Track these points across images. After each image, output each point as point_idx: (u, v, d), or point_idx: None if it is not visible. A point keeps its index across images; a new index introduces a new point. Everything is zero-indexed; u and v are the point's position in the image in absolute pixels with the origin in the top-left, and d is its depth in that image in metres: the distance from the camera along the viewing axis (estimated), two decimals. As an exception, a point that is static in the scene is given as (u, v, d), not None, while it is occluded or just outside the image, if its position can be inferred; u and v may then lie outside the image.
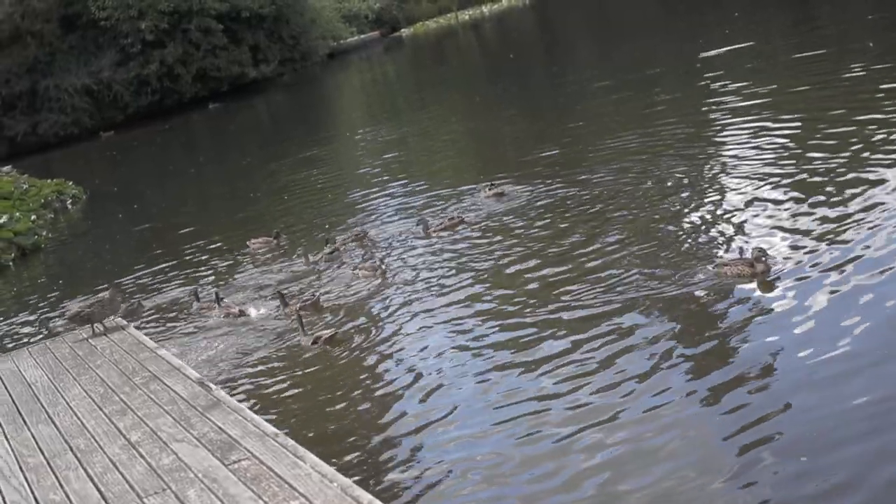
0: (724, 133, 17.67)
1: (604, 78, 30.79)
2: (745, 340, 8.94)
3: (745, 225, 12.25)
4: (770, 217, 12.25)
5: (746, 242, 11.36)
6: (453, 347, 10.67)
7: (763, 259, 10.24)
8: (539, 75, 38.49)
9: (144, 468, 7.63)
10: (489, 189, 17.38)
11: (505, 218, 15.72)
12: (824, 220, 11.45)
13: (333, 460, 8.06)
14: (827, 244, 10.59)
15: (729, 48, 27.91)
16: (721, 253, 11.39)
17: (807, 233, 11.22)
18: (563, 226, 14.42)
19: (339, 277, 14.79)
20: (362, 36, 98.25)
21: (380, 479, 8.07)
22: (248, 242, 18.14)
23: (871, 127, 14.82)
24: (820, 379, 7.79)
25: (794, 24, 31.21)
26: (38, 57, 72.15)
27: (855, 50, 22.12)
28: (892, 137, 13.94)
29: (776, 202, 12.74)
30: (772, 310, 9.47)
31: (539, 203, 16.15)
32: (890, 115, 15.16)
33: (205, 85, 75.51)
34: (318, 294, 13.69)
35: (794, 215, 12.01)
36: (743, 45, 27.89)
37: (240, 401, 9.50)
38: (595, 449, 7.60)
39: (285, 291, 14.15)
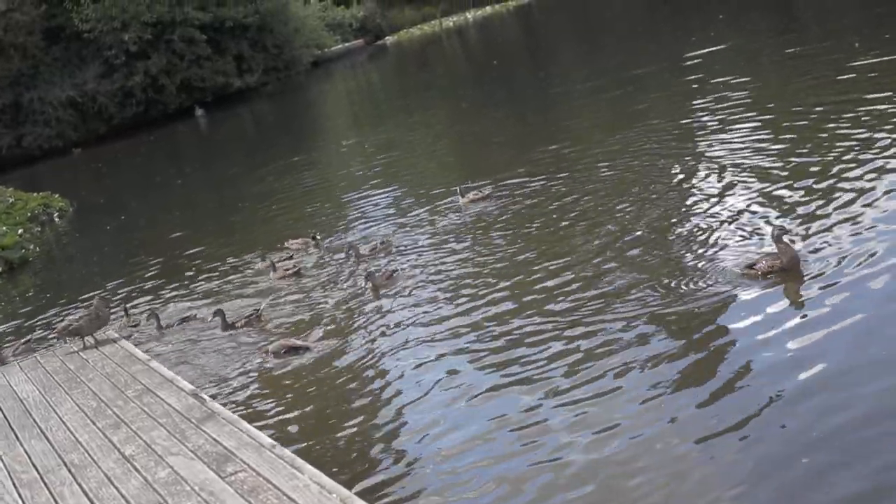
0: (714, 133, 17.70)
1: (588, 80, 30.85)
2: (749, 344, 8.93)
3: (741, 220, 12.30)
4: (768, 211, 12.29)
5: (754, 234, 11.45)
6: (449, 355, 10.64)
7: (784, 237, 10.16)
8: (524, 80, 38.49)
9: (140, 482, 7.57)
10: (468, 195, 17.40)
11: (489, 220, 15.74)
12: (826, 216, 11.48)
13: (332, 471, 8.00)
14: (830, 242, 10.59)
15: (714, 48, 27.98)
16: (735, 252, 11.35)
17: (809, 230, 11.24)
18: (556, 226, 14.46)
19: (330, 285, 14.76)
20: (346, 44, 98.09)
21: (378, 489, 8.01)
22: (286, 243, 17.96)
23: (862, 122, 14.88)
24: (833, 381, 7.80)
25: (779, 26, 31.22)
26: (22, 70, 71.73)
27: (842, 48, 22.19)
28: (880, 135, 14.00)
29: (773, 198, 12.77)
30: (775, 312, 9.45)
31: (524, 206, 16.19)
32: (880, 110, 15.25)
33: (189, 95, 75.22)
34: (260, 310, 13.85)
35: (792, 211, 12.03)
36: (728, 44, 27.96)
37: (233, 412, 9.42)
38: (598, 460, 7.54)
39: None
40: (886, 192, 11.59)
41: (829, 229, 11.02)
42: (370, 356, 11.19)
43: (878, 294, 9.02)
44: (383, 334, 11.84)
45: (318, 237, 17.91)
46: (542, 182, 17.55)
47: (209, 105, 72.40)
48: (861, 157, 13.33)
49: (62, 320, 13.74)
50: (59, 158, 64.72)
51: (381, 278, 13.71)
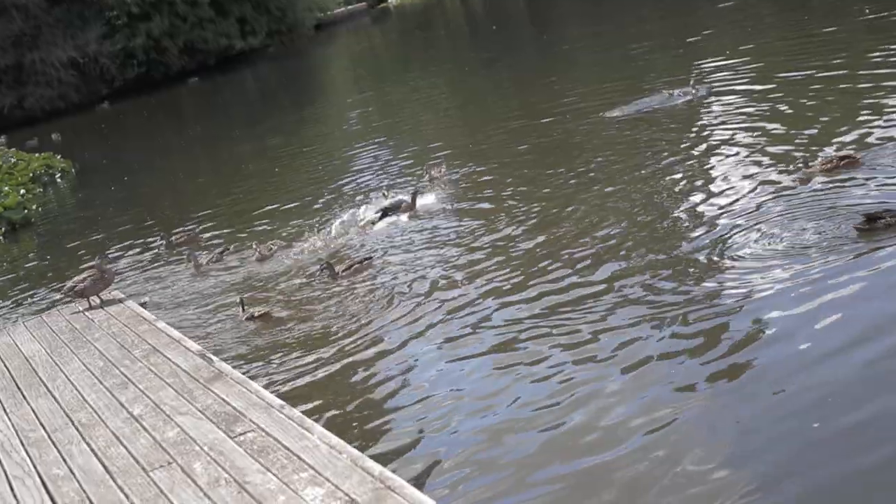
0: (717, 112, 17.51)
1: (591, 43, 30.72)
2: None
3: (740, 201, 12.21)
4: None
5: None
6: (461, 313, 10.63)
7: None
8: (526, 43, 38.38)
9: (149, 441, 7.54)
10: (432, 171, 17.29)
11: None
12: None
13: (341, 431, 7.99)
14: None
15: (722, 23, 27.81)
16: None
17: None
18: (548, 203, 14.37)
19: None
20: (349, 7, 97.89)
21: (388, 449, 8.00)
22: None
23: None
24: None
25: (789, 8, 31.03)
26: (24, 30, 71.49)
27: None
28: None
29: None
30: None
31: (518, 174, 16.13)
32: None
33: (192, 58, 75.04)
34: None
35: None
36: (735, 21, 27.77)
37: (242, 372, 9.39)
38: (611, 446, 7.44)
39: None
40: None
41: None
42: (382, 327, 11.10)
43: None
44: (391, 303, 11.76)
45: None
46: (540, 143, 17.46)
47: (210, 68, 72.12)
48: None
49: (65, 283, 13.66)
50: (69, 117, 64.41)
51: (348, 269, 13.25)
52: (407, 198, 15.71)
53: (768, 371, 7.66)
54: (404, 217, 15.19)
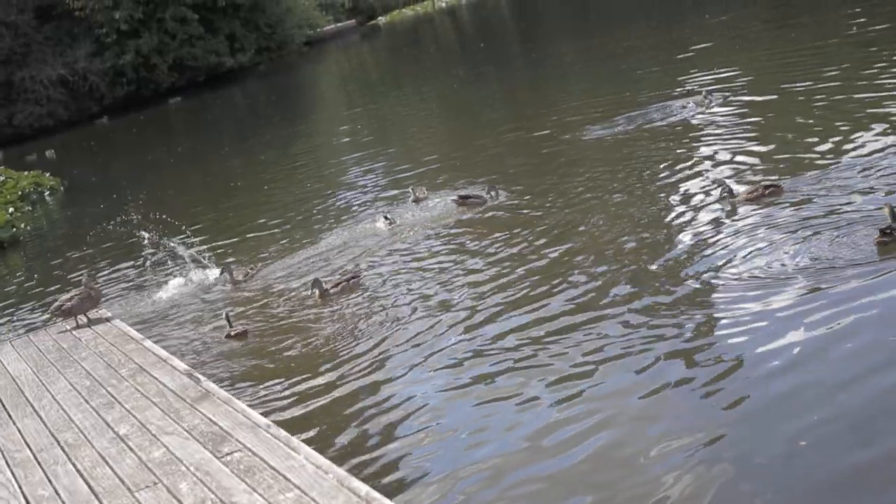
0: (709, 122, 17.56)
1: (578, 62, 30.83)
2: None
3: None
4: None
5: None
6: (445, 332, 10.63)
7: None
8: (514, 60, 38.50)
9: (134, 462, 7.51)
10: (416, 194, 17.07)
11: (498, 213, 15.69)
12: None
13: (328, 451, 7.98)
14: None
15: (711, 36, 27.91)
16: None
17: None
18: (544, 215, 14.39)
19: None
20: (338, 24, 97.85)
21: (375, 469, 7.97)
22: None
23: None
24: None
25: (773, 16, 31.16)
26: (13, 48, 71.47)
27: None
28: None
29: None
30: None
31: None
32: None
33: (181, 75, 75.08)
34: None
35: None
36: (725, 33, 27.87)
37: (228, 391, 9.36)
38: (601, 462, 7.43)
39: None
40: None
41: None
42: (371, 347, 11.07)
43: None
44: (379, 321, 11.75)
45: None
46: (530, 164, 17.47)
47: (196, 86, 72.13)
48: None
49: (52, 302, 13.62)
50: (57, 135, 64.26)
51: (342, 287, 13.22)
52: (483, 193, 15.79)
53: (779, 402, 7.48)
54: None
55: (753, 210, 11.77)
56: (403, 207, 16.77)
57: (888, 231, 9.52)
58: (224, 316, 12.68)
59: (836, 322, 8.33)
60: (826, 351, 7.95)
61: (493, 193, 15.84)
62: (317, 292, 13.07)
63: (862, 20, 22.57)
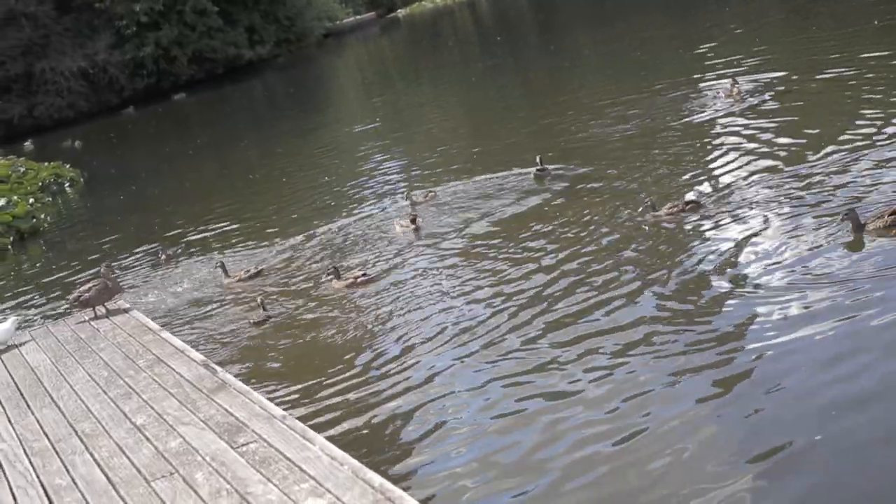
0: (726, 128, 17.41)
1: (596, 53, 30.76)
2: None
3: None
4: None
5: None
6: (456, 325, 10.64)
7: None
8: (533, 53, 38.45)
9: (151, 452, 7.55)
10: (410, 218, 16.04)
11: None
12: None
13: (343, 442, 8.00)
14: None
15: (727, 29, 27.79)
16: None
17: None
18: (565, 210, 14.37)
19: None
20: (358, 17, 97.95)
21: (390, 461, 8.00)
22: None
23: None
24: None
25: (793, 9, 30.99)
26: (33, 39, 71.79)
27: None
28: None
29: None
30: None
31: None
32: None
33: (200, 67, 75.27)
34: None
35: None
36: (739, 27, 27.76)
37: (244, 382, 9.40)
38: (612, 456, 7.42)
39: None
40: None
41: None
42: (387, 341, 11.08)
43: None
44: (399, 315, 11.77)
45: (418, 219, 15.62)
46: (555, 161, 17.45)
47: (212, 80, 72.27)
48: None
49: (71, 293, 13.69)
50: (78, 126, 64.53)
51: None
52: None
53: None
54: None
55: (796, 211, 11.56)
56: (422, 202, 16.69)
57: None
58: (259, 302, 12.90)
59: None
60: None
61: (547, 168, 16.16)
62: (332, 279, 13.25)
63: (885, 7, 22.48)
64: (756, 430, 7.07)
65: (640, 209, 12.69)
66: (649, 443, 7.22)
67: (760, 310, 8.98)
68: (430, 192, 17.00)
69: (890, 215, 9.82)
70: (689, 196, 12.70)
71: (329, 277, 13.44)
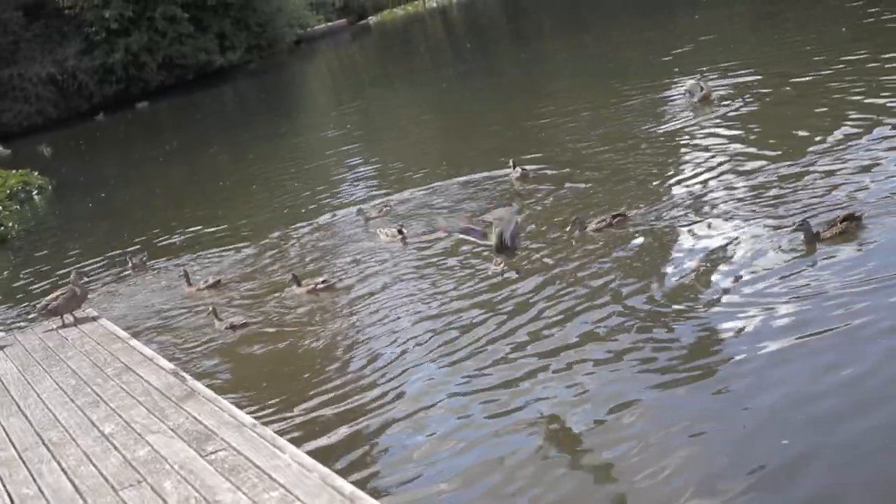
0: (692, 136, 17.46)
1: (568, 60, 30.89)
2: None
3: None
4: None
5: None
6: (430, 335, 10.61)
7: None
8: (503, 60, 38.56)
9: (119, 460, 7.50)
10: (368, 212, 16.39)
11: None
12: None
13: (313, 450, 7.97)
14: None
15: (700, 38, 27.93)
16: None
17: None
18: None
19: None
20: (329, 24, 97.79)
21: (360, 469, 7.97)
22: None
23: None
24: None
25: (763, 16, 31.19)
26: (3, 45, 71.27)
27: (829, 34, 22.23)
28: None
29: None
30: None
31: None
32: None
33: (171, 73, 74.92)
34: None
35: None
36: (711, 36, 27.88)
37: (213, 390, 9.34)
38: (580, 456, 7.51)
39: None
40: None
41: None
42: (348, 333, 11.13)
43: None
44: (359, 313, 11.81)
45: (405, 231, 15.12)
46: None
47: (184, 86, 71.90)
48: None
49: (41, 299, 13.59)
50: (47, 133, 63.99)
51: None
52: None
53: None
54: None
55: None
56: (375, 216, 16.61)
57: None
58: (210, 310, 12.75)
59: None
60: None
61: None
62: (293, 286, 13.31)
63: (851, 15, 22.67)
64: (731, 449, 7.06)
65: (568, 227, 12.68)
66: (630, 459, 7.18)
67: (721, 325, 8.97)
68: (385, 206, 16.88)
69: (842, 222, 9.97)
70: (621, 210, 12.73)
71: (289, 284, 13.43)
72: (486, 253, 11.94)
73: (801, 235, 10.11)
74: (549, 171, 16.43)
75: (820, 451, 6.63)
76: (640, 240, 11.78)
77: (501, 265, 10.91)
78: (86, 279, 14.03)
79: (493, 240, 9.02)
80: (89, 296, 14.02)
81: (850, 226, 9.95)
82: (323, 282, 13.22)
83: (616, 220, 12.40)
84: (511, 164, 16.46)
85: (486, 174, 17.28)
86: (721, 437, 7.15)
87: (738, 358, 8.21)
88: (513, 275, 10.77)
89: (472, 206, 15.39)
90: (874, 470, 6.35)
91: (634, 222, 12.38)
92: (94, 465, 7.51)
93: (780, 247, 10.28)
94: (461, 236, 9.73)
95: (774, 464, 6.62)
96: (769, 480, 6.47)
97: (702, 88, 18.24)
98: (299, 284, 13.26)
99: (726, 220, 11.60)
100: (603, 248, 11.81)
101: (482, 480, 7.35)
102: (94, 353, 10.99)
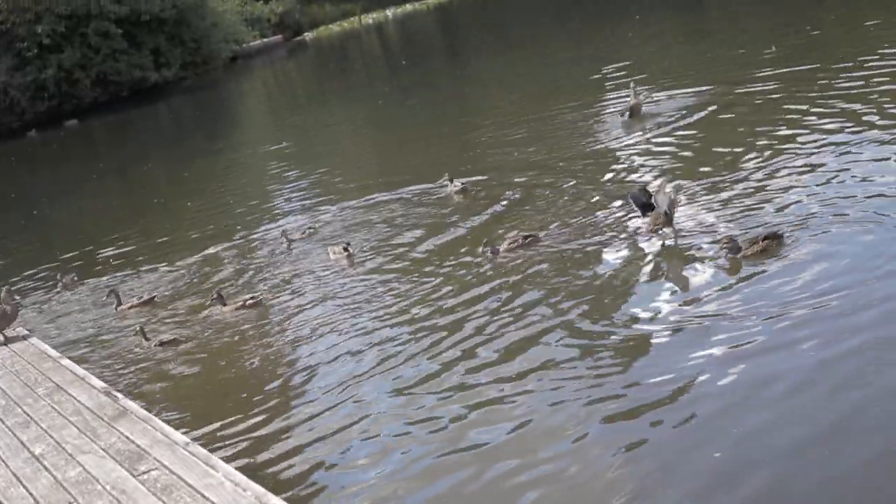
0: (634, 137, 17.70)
1: (503, 80, 31.03)
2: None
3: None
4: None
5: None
6: (363, 350, 10.61)
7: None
8: (438, 76, 38.72)
9: (50, 481, 7.40)
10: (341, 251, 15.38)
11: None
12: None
13: (247, 469, 7.91)
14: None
15: (633, 50, 28.24)
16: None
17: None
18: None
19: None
20: (265, 40, 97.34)
21: (295, 485, 7.94)
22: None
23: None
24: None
25: (693, 30, 31.65)
26: (-69, 61, 70.17)
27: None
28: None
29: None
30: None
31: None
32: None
33: (105, 89, 74.09)
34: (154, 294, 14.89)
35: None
36: (647, 47, 28.23)
37: (146, 409, 9.26)
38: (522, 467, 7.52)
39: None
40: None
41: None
42: (289, 362, 11.06)
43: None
44: (293, 329, 11.78)
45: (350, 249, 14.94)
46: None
47: (119, 102, 71.17)
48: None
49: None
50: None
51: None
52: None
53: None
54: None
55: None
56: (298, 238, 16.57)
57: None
58: (138, 329, 12.64)
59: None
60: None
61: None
62: (218, 305, 13.27)
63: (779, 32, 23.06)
64: (665, 464, 7.13)
65: (480, 250, 12.73)
66: (562, 479, 7.22)
67: (646, 343, 9.07)
68: (310, 227, 16.80)
69: (763, 240, 10.20)
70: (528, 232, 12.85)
71: (213, 303, 13.37)
72: (417, 273, 11.97)
73: (725, 252, 10.25)
74: (483, 186, 16.51)
75: (756, 461, 6.71)
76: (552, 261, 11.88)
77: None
78: (16, 298, 13.84)
79: (662, 208, 11.12)
80: (19, 314, 13.79)
81: (770, 244, 10.17)
82: (251, 298, 13.17)
83: (528, 239, 12.53)
84: (447, 178, 16.53)
85: (421, 187, 17.34)
86: (652, 455, 7.20)
87: (666, 377, 8.26)
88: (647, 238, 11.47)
89: (409, 221, 15.44)
90: (814, 480, 6.48)
91: (549, 242, 12.45)
92: (24, 487, 7.40)
93: (705, 263, 10.43)
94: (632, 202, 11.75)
95: (708, 476, 6.69)
96: (702, 492, 6.54)
97: (634, 96, 18.46)
98: (224, 304, 13.18)
99: (652, 237, 11.67)
100: (517, 269, 11.89)
101: (421, 493, 7.35)
102: (24, 373, 10.83)
